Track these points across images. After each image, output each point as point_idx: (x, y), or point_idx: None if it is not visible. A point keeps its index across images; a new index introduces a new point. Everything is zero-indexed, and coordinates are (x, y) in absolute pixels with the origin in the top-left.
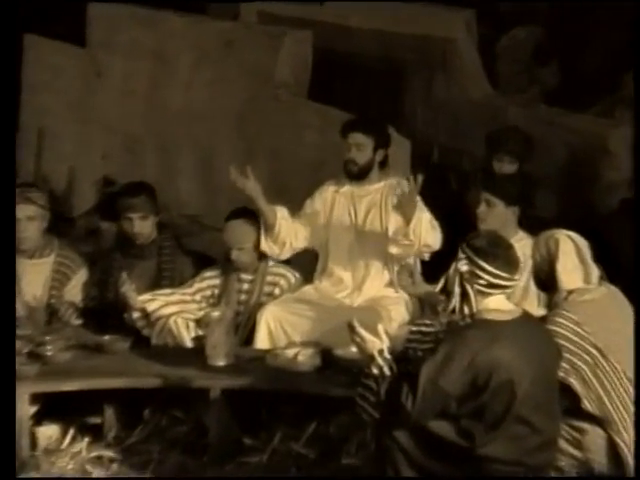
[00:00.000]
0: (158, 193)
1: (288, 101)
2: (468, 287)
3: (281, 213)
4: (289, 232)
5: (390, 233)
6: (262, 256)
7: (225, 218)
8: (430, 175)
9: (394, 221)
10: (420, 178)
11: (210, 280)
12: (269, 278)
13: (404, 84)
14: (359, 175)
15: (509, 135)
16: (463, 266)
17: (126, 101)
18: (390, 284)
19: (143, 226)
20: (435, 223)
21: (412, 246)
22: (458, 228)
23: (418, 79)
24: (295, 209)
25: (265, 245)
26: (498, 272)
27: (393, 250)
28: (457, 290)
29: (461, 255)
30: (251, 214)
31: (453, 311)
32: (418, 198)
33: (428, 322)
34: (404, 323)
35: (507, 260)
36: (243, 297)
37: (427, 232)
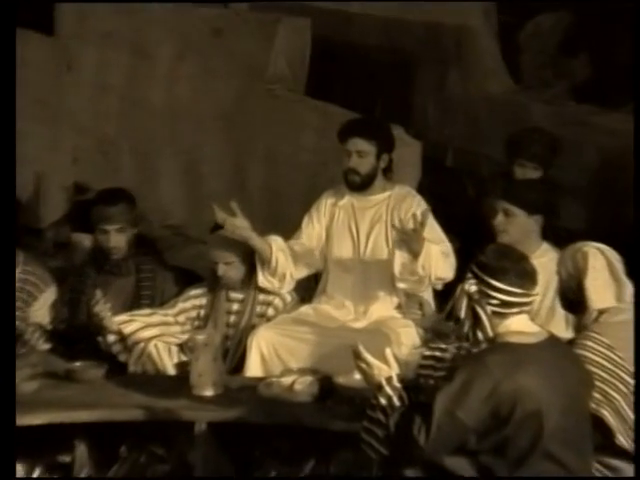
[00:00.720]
0: (137, 201)
1: (283, 97)
2: (479, 309)
3: (276, 244)
4: (288, 263)
5: (396, 272)
6: (253, 272)
7: (211, 229)
8: (443, 181)
9: (399, 256)
10: (427, 213)
11: (195, 299)
12: (262, 297)
13: (414, 78)
14: (362, 186)
15: (533, 137)
16: (471, 287)
17: (100, 97)
18: (399, 306)
19: (120, 239)
20: (447, 248)
21: (422, 282)
22: (475, 241)
23: (429, 73)
24: (291, 219)
25: (263, 280)
26: (510, 288)
27: (400, 286)
28: (463, 314)
29: (468, 275)
30: None
31: (467, 339)
32: (429, 215)
33: (443, 346)
34: (415, 347)
35: (519, 273)
36: (233, 318)
37: (438, 264)
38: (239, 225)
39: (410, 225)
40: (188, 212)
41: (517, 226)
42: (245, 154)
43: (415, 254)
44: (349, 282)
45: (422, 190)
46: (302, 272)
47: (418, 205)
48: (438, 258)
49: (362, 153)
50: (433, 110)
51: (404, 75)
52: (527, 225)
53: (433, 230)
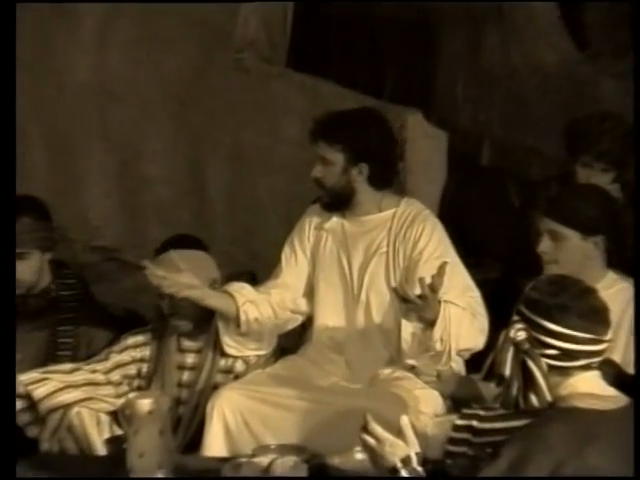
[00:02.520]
0: (52, 215)
1: (256, 71)
2: (531, 364)
3: (244, 296)
4: (264, 318)
5: (405, 347)
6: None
7: (156, 251)
8: (477, 185)
9: (408, 326)
10: (443, 272)
11: (135, 350)
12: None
13: (438, 44)
14: (332, 204)
15: (602, 127)
16: (519, 333)
17: None
18: (412, 367)
19: (21, 269)
20: (475, 302)
21: (439, 358)
22: (522, 269)
23: (460, 37)
24: (267, 240)
25: (231, 343)
26: (573, 333)
27: (411, 363)
28: (509, 371)
29: (515, 317)
30: (195, 243)
31: (516, 405)
32: (447, 244)
33: (482, 414)
34: (440, 415)
35: (584, 312)
36: (186, 376)
37: (461, 331)
38: (185, 284)
39: (416, 290)
40: (125, 229)
41: (569, 253)
42: (204, 149)
43: (430, 322)
44: (342, 330)
45: (448, 198)
46: (285, 325)
47: (430, 235)
48: (461, 322)
49: (325, 161)
50: (464, 87)
51: (425, 39)
52: (583, 251)
53: (452, 278)
